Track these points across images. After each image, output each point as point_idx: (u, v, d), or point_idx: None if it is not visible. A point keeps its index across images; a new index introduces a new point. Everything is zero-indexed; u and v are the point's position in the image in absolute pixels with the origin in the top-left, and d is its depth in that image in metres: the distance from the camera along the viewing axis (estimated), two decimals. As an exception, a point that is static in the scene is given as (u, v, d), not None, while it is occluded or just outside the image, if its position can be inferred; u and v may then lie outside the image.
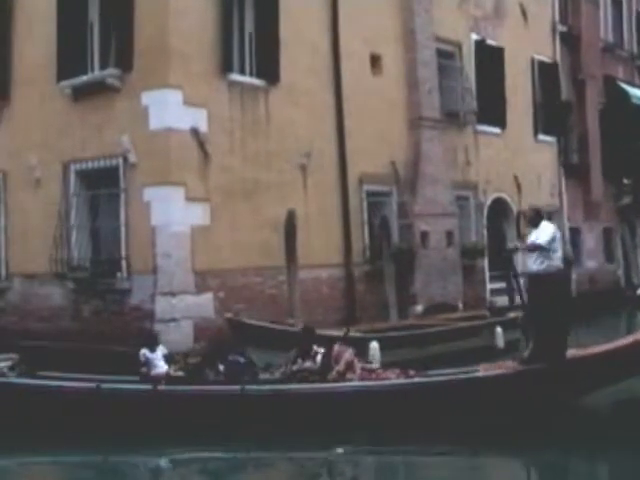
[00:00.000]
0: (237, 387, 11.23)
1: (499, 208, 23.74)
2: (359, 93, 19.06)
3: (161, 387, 11.47)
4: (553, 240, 11.59)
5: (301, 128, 17.68)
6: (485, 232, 22.94)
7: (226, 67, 16.46)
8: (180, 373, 12.26)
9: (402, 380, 11.56)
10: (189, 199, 15.56)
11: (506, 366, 11.79)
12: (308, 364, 11.82)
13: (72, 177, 16.75)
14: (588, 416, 11.79)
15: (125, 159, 15.77)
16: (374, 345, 15.26)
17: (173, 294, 15.35)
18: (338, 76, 18.68)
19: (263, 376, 11.89)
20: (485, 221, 23.07)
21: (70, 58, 16.83)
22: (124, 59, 16.00)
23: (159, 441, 10.84)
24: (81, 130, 16.58)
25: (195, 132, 15.74)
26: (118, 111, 16.06)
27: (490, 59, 23.39)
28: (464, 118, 22.42)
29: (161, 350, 12.56)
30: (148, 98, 15.62)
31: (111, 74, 16.15)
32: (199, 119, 15.86)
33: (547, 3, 26.78)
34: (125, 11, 16.02)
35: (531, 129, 25.43)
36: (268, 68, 17.25)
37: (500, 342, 17.64)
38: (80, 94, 16.71)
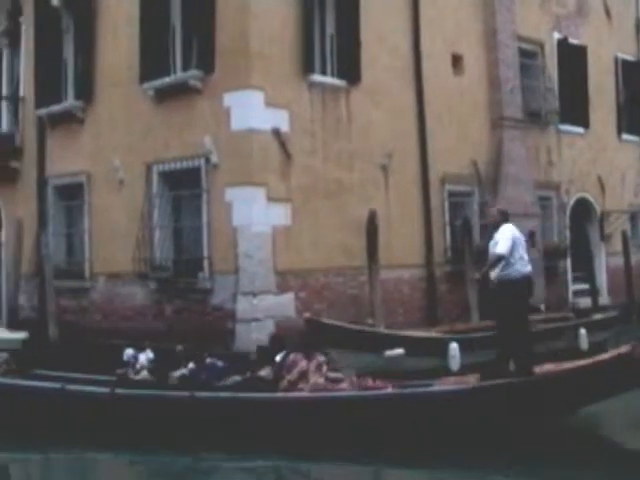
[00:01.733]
0: (186, 393, 11.25)
1: (582, 208, 23.37)
2: (440, 93, 18.91)
3: (118, 390, 11.56)
4: (514, 245, 11.06)
5: (382, 128, 17.58)
6: (568, 233, 22.58)
7: (307, 68, 16.42)
8: (147, 376, 12.51)
9: (346, 393, 11.22)
10: (271, 199, 15.56)
11: (465, 381, 11.44)
12: (263, 372, 11.79)
13: (155, 178, 16.86)
14: (552, 436, 11.04)
15: (207, 160, 15.82)
16: (454, 346, 15.11)
17: (254, 294, 15.36)
18: (419, 76, 18.54)
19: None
20: (568, 222, 22.70)
21: (153, 60, 16.96)
22: (206, 61, 16.05)
23: (115, 443, 11.12)
24: (164, 131, 16.69)
25: (277, 133, 15.72)
26: (200, 112, 16.12)
27: (573, 58, 23.03)
28: (546, 118, 22.11)
29: (146, 354, 12.72)
30: (230, 99, 15.65)
31: (193, 76, 16.21)
32: (281, 120, 15.84)
33: (631, 1, 26.29)
34: (207, 13, 16.07)
35: (615, 128, 24.97)
36: (349, 68, 17.18)
37: (584, 344, 17.34)
38: (163, 96, 16.82)
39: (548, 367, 11.26)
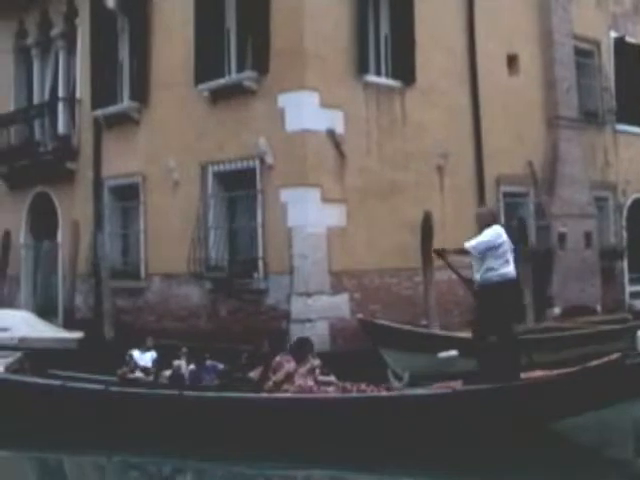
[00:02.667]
0: (175, 392, 11.40)
1: (639, 209, 23.11)
2: (496, 93, 18.80)
3: (112, 388, 11.80)
4: (496, 248, 10.57)
5: (437, 129, 17.53)
6: (624, 234, 22.35)
7: (362, 68, 16.43)
8: (140, 374, 12.86)
9: (324, 395, 11.14)
10: (325, 200, 15.59)
11: (451, 385, 11.14)
12: (252, 373, 11.89)
13: (210, 179, 16.96)
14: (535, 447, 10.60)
15: (262, 161, 15.89)
16: (509, 347, 15.00)
17: (309, 294, 15.39)
18: (474, 76, 18.47)
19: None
20: (624, 222, 22.47)
21: (208, 61, 17.08)
22: (261, 62, 16.13)
23: (110, 441, 11.21)
24: (219, 132, 16.78)
25: (331, 133, 15.75)
26: (255, 113, 16.21)
27: (629, 57, 22.79)
28: (603, 117, 21.94)
29: (151, 354, 12.82)
30: (285, 100, 15.71)
31: (248, 77, 16.30)
32: (335, 120, 15.87)
33: (688, -2, 25.97)
34: (261, 15, 16.15)
35: (672, 128, 24.67)
36: (404, 69, 17.16)
37: (641, 346, 17.13)
38: (218, 97, 16.93)
39: (537, 374, 10.94)
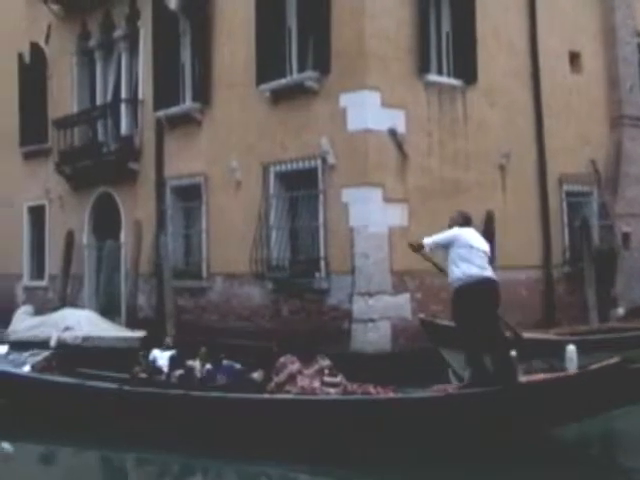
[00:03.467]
0: (181, 392, 11.58)
1: None
2: (558, 92, 18.74)
3: (125, 387, 12.07)
4: (440, 243, 10.69)
5: (499, 128, 17.51)
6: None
7: (423, 68, 16.46)
8: (143, 375, 12.95)
9: (321, 396, 11.14)
10: (387, 200, 15.63)
11: (444, 388, 11.06)
12: (256, 375, 11.95)
13: (272, 179, 17.08)
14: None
15: (324, 160, 15.98)
16: (571, 348, 14.85)
17: (370, 294, 15.44)
18: (536, 75, 18.41)
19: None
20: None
21: (269, 62, 17.22)
22: (322, 62, 16.23)
23: (123, 438, 11.50)
24: (280, 132, 16.92)
25: (393, 133, 15.79)
26: (316, 113, 16.31)
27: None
28: (667, 116, 21.70)
29: (169, 352, 12.94)
30: (346, 100, 15.79)
31: (309, 77, 16.41)
32: (397, 120, 15.90)
33: None
34: (322, 14, 16.24)
35: None
36: (465, 68, 17.16)
37: None
38: (279, 97, 17.07)
39: (538, 377, 10.78)
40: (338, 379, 11.58)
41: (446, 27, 17.28)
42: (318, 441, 10.45)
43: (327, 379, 11.57)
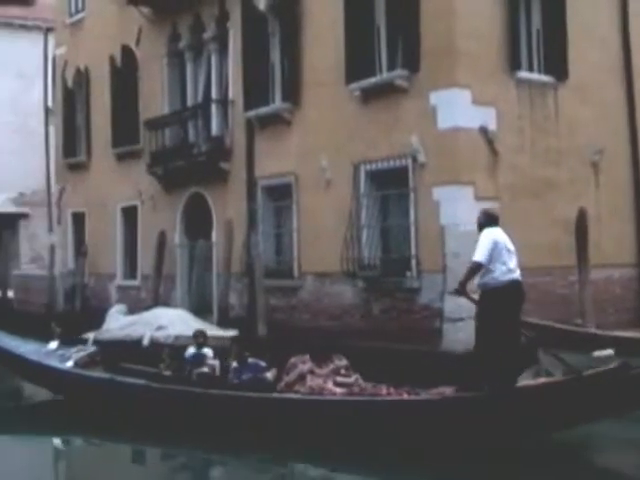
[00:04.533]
0: (200, 390, 12.19)
1: None
2: (652, 87, 18.58)
3: (152, 384, 12.78)
4: (496, 251, 10.47)
5: (591, 125, 17.42)
6: None
7: (514, 64, 16.49)
8: (168, 372, 13.56)
9: (323, 397, 11.41)
10: (478, 198, 15.66)
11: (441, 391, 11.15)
12: (269, 374, 12.36)
13: (362, 178, 17.28)
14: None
15: (414, 159, 16.14)
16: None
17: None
18: (629, 71, 18.24)
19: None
20: None
21: (358, 61, 17.42)
22: (411, 60, 16.38)
23: (150, 433, 12.32)
24: (370, 131, 17.11)
25: (484, 131, 15.87)
26: (406, 112, 16.47)
27: None
28: None
29: (207, 352, 13.39)
30: (436, 98, 15.91)
31: (399, 75, 16.58)
32: (487, 118, 15.97)
33: None
34: (411, 12, 16.38)
35: None
36: (556, 64, 17.14)
37: None
38: (369, 96, 17.26)
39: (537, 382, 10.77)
40: (351, 379, 11.88)
41: (536, 23, 17.27)
42: (324, 440, 10.76)
43: (339, 379, 11.86)
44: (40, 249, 38.74)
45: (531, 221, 16.28)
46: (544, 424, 10.52)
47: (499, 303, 10.50)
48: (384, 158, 16.77)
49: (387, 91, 16.79)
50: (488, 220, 11.08)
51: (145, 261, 23.85)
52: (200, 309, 20.68)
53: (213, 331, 18.33)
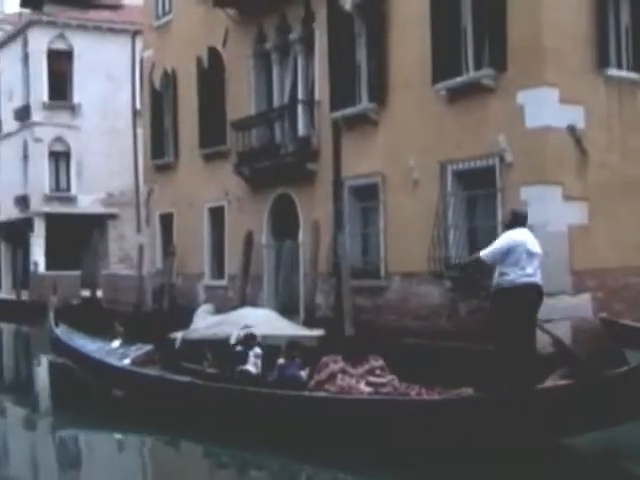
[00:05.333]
0: (238, 387, 12.61)
1: None
2: None
3: (196, 381, 13.32)
4: (510, 252, 10.46)
5: (684, 122, 17.23)
6: None
7: (602, 62, 16.38)
8: (212, 370, 14.09)
9: (343, 395, 11.69)
10: (566, 198, 15.69)
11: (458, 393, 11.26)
12: (303, 372, 12.65)
13: (449, 178, 17.32)
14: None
15: (501, 159, 16.15)
16: None
17: (550, 294, 15.29)
18: None
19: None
20: None
21: (445, 60, 17.47)
22: (498, 59, 16.38)
23: (192, 428, 12.86)
24: (457, 131, 17.16)
25: (572, 130, 15.81)
26: (493, 111, 16.49)
27: None
28: None
29: (254, 351, 13.67)
30: (523, 97, 15.89)
31: (485, 74, 16.60)
32: (576, 116, 15.91)
33: None
34: (498, 10, 16.38)
35: None
36: (646, 61, 17.01)
37: None
38: (455, 95, 17.31)
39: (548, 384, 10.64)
40: (384, 379, 12.05)
41: (625, 19, 17.09)
42: (349, 438, 11.00)
43: (371, 379, 12.03)
44: (128, 249, 39.63)
45: (621, 220, 16.18)
46: (563, 426, 10.43)
47: (512, 304, 10.52)
48: (471, 158, 16.80)
49: (474, 90, 16.83)
50: (515, 220, 11.07)
51: (232, 261, 24.21)
52: (287, 309, 20.90)
53: (300, 331, 18.58)
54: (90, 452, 13.59)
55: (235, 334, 18.12)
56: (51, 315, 18.28)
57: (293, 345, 13.56)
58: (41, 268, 40.21)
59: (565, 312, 15.51)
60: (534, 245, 10.84)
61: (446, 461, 10.42)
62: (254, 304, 21.79)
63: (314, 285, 20.36)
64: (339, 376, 12.02)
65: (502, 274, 10.63)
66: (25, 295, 38.08)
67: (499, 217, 16.13)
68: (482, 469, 10.26)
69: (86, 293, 34.20)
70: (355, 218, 20.12)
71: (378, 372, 12.21)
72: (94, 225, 41.57)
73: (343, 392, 11.81)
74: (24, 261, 41.45)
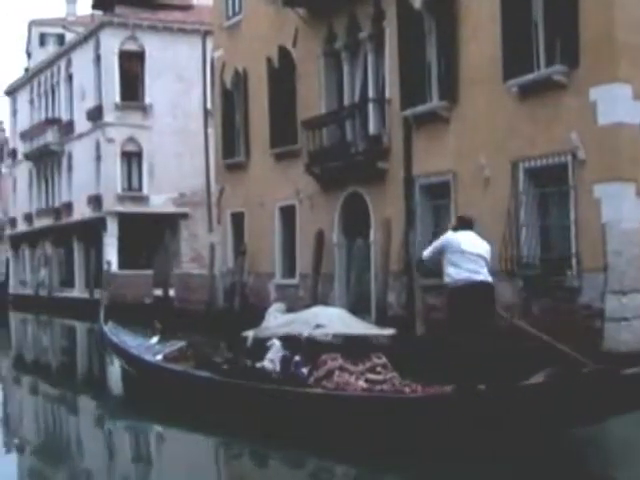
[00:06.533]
0: (254, 384, 12.88)
1: None
2: None
3: (215, 377, 13.77)
4: (442, 253, 11.15)
5: None
6: None
7: (677, 57, 16.28)
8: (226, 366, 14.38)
9: (332, 392, 12.09)
10: (640, 195, 15.66)
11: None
12: (305, 369, 13.00)
13: (521, 175, 17.31)
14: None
15: (574, 156, 16.11)
16: None
17: (624, 293, 15.42)
18: None
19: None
20: None
21: (516, 57, 17.48)
22: (570, 55, 16.34)
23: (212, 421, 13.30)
24: (529, 128, 17.17)
25: (645, 127, 15.77)
26: (565, 108, 16.47)
27: None
28: None
29: (275, 345, 13.99)
30: (596, 93, 15.86)
31: (557, 71, 16.58)
32: (650, 113, 15.86)
33: None
34: (569, 6, 16.35)
35: None
36: None
37: None
38: (527, 92, 17.32)
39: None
40: (381, 377, 12.40)
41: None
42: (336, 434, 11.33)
43: (370, 376, 12.36)
44: (200, 248, 40.04)
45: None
46: (540, 423, 10.59)
47: (458, 302, 11.13)
48: (543, 155, 16.80)
49: (545, 87, 16.83)
50: (460, 223, 11.81)
51: (303, 260, 24.45)
52: (358, 308, 20.95)
53: (371, 330, 18.68)
54: (130, 443, 14.37)
55: (306, 333, 18.34)
56: (101, 312, 19.19)
57: (311, 342, 13.97)
58: (114, 267, 40.85)
59: (638, 311, 15.43)
60: (473, 246, 11.25)
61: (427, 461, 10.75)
62: (325, 303, 21.84)
63: (385, 284, 20.47)
64: (336, 373, 12.44)
65: (445, 274, 11.28)
66: (98, 294, 38.72)
67: (572, 215, 16.16)
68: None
69: (158, 292, 34.67)
70: (426, 216, 20.21)
71: (379, 369, 12.55)
72: (166, 224, 42.14)
73: (338, 388, 12.22)
74: (97, 260, 42.15)
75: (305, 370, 13.09)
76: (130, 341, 17.39)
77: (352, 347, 13.97)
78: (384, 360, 12.71)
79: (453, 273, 11.08)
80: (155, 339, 17.46)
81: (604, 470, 11.00)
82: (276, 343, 14.22)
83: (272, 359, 13.78)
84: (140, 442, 14.32)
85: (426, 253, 11.68)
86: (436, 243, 11.53)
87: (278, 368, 13.51)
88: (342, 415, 11.51)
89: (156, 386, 15.61)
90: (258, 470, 12.07)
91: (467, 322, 10.98)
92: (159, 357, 15.97)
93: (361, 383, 12.29)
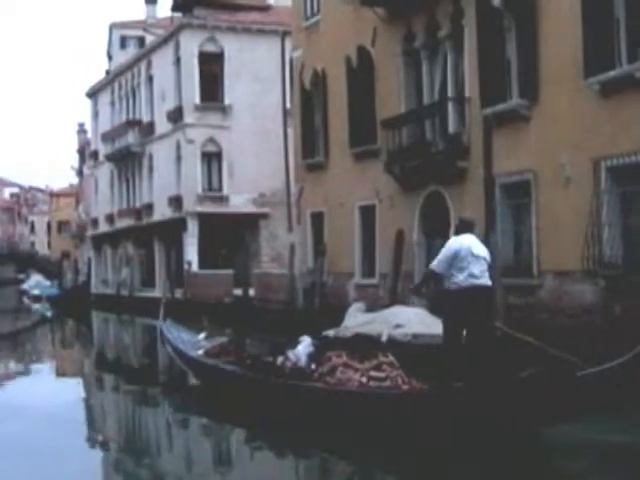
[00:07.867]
0: (258, 377, 13.56)
1: None
2: None
3: (240, 371, 14.29)
4: (457, 258, 11.26)
5: None
6: None
7: None
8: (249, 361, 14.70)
9: (329, 387, 12.43)
10: None
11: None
12: (313, 366, 13.31)
13: (603, 174, 17.21)
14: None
15: (659, 154, 16.05)
16: None
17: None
18: None
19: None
20: None
21: (597, 54, 17.37)
22: (653, 51, 16.28)
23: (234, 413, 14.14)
24: (610, 126, 17.06)
25: None
26: (648, 105, 16.37)
27: None
28: None
29: (305, 345, 13.98)
30: (679, 90, 15.78)
31: (639, 68, 16.46)
32: None
33: None
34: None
35: None
36: None
37: None
38: (608, 90, 17.19)
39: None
40: (383, 374, 12.50)
41: None
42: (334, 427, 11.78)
43: (373, 373, 12.53)
44: (280, 248, 40.33)
45: None
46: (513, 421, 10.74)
47: (460, 305, 11.31)
48: (625, 154, 16.70)
49: (627, 84, 16.70)
50: (462, 227, 12.06)
51: (383, 260, 24.55)
52: (437, 308, 21.04)
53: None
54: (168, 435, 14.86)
55: (386, 333, 18.43)
56: (161, 310, 19.64)
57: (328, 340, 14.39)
58: (194, 267, 41.36)
59: None
60: (479, 249, 11.61)
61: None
62: (405, 303, 21.94)
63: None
64: (339, 369, 12.72)
65: (449, 279, 11.46)
66: (179, 293, 39.25)
67: (656, 214, 16.06)
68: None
69: (238, 292, 35.04)
70: (506, 216, 20.14)
71: (385, 367, 12.68)
72: (246, 224, 42.57)
73: (339, 384, 12.52)
74: (178, 260, 42.72)
75: (313, 366, 13.45)
76: (181, 337, 17.91)
77: (360, 345, 14.52)
78: (391, 359, 12.89)
79: (460, 279, 11.36)
80: (202, 335, 18.01)
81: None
82: (307, 338, 14.42)
83: (297, 353, 14.00)
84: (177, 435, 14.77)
85: (437, 264, 11.70)
86: (445, 252, 11.62)
87: (303, 362, 13.71)
88: (338, 409, 11.97)
89: (199, 379, 16.59)
90: (255, 461, 12.39)
91: (467, 323, 11.38)
92: (200, 352, 16.50)
93: (360, 379, 12.59)
